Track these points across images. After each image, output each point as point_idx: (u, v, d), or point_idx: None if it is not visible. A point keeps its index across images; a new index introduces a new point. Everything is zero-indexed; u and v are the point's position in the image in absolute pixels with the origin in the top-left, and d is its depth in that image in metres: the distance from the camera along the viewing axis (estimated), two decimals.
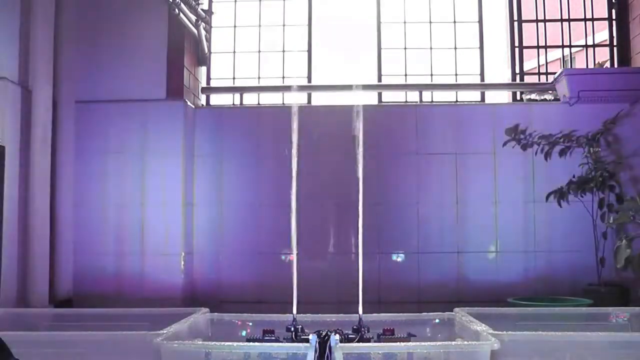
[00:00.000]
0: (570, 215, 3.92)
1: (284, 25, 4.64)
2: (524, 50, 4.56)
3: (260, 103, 4.66)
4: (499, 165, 4.14)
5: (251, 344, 2.26)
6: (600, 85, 4.04)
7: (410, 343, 2.36)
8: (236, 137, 4.26)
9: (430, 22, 4.60)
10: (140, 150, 4.01)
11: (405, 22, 4.60)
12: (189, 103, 4.17)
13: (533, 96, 4.45)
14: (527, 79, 4.57)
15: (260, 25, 4.65)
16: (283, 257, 4.10)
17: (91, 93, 4.06)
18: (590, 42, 4.54)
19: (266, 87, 4.61)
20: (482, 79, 4.52)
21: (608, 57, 4.48)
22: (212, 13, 4.62)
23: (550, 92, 4.37)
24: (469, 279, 4.05)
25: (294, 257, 2.66)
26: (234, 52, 4.64)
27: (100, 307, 3.18)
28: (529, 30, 4.59)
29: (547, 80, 4.46)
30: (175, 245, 3.97)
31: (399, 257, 4.10)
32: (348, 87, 4.64)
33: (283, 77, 4.61)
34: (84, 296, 3.83)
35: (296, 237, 2.82)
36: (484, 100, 4.55)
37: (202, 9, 4.51)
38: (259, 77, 4.62)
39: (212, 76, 4.64)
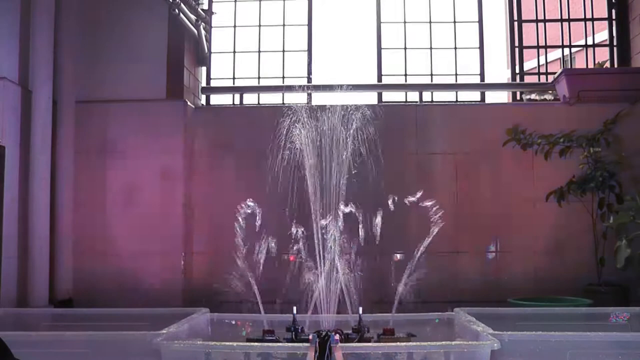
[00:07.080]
0: (570, 215, 3.92)
1: (284, 25, 4.63)
2: (524, 50, 4.56)
3: (260, 103, 4.65)
4: (499, 165, 4.14)
5: (251, 344, 2.26)
6: (600, 85, 4.04)
7: (410, 343, 2.37)
8: (236, 137, 4.25)
9: (430, 22, 4.60)
10: (140, 150, 4.01)
11: (405, 22, 4.59)
12: (189, 103, 4.17)
13: (533, 96, 4.45)
14: (527, 79, 4.57)
15: (260, 25, 4.65)
16: (284, 257, 4.08)
17: (91, 93, 4.05)
18: (590, 42, 4.54)
19: (266, 87, 4.61)
20: (482, 79, 4.52)
21: (608, 57, 4.48)
22: (212, 13, 4.62)
23: (550, 92, 4.37)
24: (469, 279, 4.05)
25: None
26: (234, 52, 4.64)
27: (100, 307, 3.18)
28: (529, 30, 4.58)
29: (547, 80, 4.46)
30: (175, 245, 3.96)
31: (398, 257, 4.10)
32: (348, 87, 4.65)
33: (283, 77, 4.61)
34: (84, 296, 3.83)
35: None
36: (484, 100, 4.54)
37: (202, 9, 4.52)
38: (259, 77, 4.62)
39: (212, 76, 4.64)
